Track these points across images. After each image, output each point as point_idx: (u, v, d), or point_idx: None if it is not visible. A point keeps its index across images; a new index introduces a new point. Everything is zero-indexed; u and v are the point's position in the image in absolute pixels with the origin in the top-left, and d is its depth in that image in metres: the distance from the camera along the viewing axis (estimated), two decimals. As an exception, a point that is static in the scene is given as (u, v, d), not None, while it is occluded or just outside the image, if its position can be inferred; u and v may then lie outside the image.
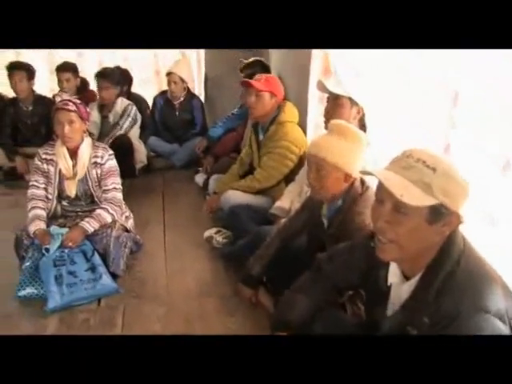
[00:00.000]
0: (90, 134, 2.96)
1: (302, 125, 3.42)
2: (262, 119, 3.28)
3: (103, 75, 4.31)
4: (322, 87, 2.64)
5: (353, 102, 2.55)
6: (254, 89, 3.20)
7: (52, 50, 5.49)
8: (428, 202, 1.29)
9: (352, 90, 2.56)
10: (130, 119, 4.34)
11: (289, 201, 2.93)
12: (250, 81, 3.26)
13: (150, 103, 5.02)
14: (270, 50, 4.80)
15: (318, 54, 3.30)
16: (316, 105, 3.42)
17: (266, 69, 4.18)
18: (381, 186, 1.35)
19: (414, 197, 1.28)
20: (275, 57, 4.60)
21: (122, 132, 4.30)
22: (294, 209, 2.77)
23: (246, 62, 4.37)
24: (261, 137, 3.33)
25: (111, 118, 4.36)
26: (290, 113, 3.24)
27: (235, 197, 3.20)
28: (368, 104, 2.61)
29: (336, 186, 2.06)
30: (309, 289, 1.88)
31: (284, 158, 3.11)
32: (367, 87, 2.73)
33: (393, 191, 1.28)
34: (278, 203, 2.96)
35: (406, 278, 1.47)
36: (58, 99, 2.88)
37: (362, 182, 2.10)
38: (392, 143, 2.70)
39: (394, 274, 1.51)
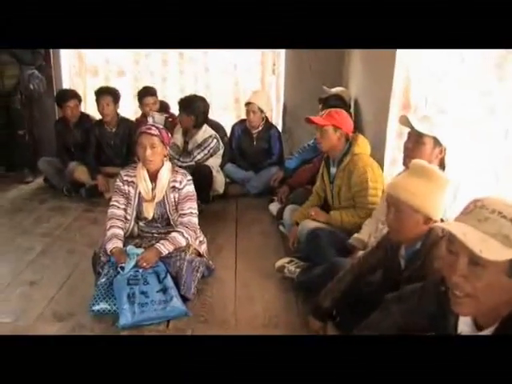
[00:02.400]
0: (171, 159, 3.05)
1: (379, 159, 3.37)
2: (332, 153, 3.27)
3: (181, 105, 4.46)
4: (405, 122, 2.59)
5: (436, 142, 2.48)
6: (316, 124, 3.21)
7: (137, 76, 5.74)
8: (508, 256, 1.22)
9: (434, 127, 2.50)
10: (205, 151, 4.41)
11: (367, 234, 2.88)
12: (309, 117, 3.25)
13: (229, 129, 5.11)
14: (351, 83, 4.81)
15: (398, 88, 3.27)
16: (394, 139, 3.38)
17: (343, 102, 4.17)
18: (454, 239, 1.28)
19: (493, 251, 1.21)
20: (355, 89, 4.60)
21: (192, 163, 4.38)
22: (371, 244, 2.73)
23: (325, 95, 4.39)
24: (332, 170, 3.29)
25: (190, 145, 4.46)
26: (364, 145, 3.22)
27: (311, 226, 3.18)
28: (450, 142, 2.54)
29: (415, 229, 2.00)
30: (376, 328, 1.84)
31: (375, 190, 3.07)
32: (450, 124, 2.67)
33: (471, 247, 1.21)
34: (356, 234, 2.93)
35: (479, 327, 1.39)
36: (149, 120, 3.02)
37: None
38: (473, 183, 2.61)
39: (464, 323, 1.43)
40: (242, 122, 5.00)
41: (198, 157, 4.39)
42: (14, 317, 2.76)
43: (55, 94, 5.25)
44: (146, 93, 5.01)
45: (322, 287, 2.46)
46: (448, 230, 1.29)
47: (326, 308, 2.41)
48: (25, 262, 3.48)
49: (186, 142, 4.48)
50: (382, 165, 3.42)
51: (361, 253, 2.66)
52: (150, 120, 4.82)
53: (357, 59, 4.67)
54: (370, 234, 2.89)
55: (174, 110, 5.11)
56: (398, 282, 2.05)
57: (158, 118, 4.89)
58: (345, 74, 5.11)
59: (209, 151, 4.42)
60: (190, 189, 3.01)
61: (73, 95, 4.94)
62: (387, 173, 3.35)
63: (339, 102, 4.10)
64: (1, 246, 3.75)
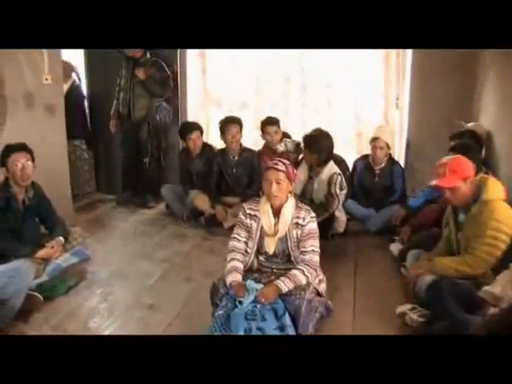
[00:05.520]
0: (295, 195, 3.01)
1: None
2: (464, 204, 3.00)
3: (304, 142, 4.39)
4: None
5: None
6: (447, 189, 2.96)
7: (259, 108, 5.82)
8: None
9: None
10: (334, 188, 4.19)
11: (501, 287, 2.63)
12: (437, 184, 3.02)
13: (350, 164, 5.01)
14: (482, 117, 4.54)
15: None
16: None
17: (476, 139, 3.92)
18: None
19: None
20: (487, 124, 4.32)
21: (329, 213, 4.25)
22: (506, 296, 2.49)
23: (457, 130, 4.18)
24: (461, 216, 3.03)
25: (316, 183, 4.31)
26: (494, 190, 2.90)
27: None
28: None
29: None
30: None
31: (495, 240, 2.79)
32: None
33: None
34: (488, 287, 2.68)
35: None
36: (279, 148, 3.03)
37: None
38: None
39: None
40: (365, 157, 4.90)
41: (334, 206, 4.21)
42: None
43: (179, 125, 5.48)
44: (268, 122, 5.06)
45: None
46: None
47: None
48: (145, 286, 3.62)
49: (310, 177, 4.40)
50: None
51: (493, 309, 2.45)
52: (281, 147, 4.87)
53: (489, 90, 4.41)
54: (504, 287, 2.64)
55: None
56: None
57: (290, 145, 4.93)
58: (475, 107, 4.83)
59: (339, 187, 4.21)
60: (314, 226, 2.95)
61: (195, 127, 5.14)
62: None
63: (472, 139, 3.86)
64: (124, 268, 3.92)
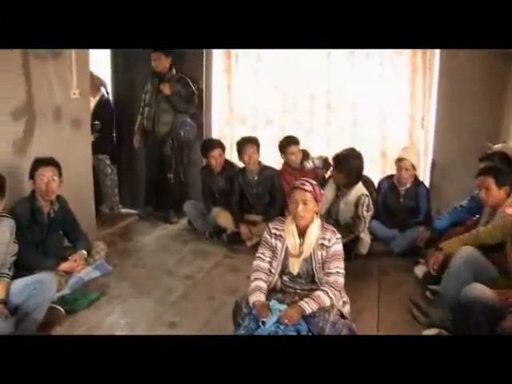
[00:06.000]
0: (321, 216, 2.97)
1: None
2: None
3: (334, 160, 4.35)
4: None
5: None
6: None
7: (284, 126, 5.80)
8: None
9: None
10: (361, 212, 4.17)
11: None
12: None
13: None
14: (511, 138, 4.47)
15: None
16: None
17: (508, 162, 3.84)
18: None
19: None
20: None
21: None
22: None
23: (485, 152, 4.11)
24: None
25: (342, 203, 4.27)
26: None
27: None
28: None
29: None
30: None
31: None
32: None
33: None
34: None
35: None
36: (307, 165, 3.01)
37: None
38: None
39: None
40: (390, 177, 4.84)
41: (360, 229, 4.20)
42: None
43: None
44: (290, 142, 5.03)
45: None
46: None
47: None
48: (166, 302, 3.59)
49: (337, 197, 4.34)
50: None
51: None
52: (308, 164, 4.86)
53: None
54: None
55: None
56: None
57: (318, 161, 4.90)
58: (504, 128, 4.74)
59: (366, 209, 4.18)
60: (339, 247, 2.91)
61: (217, 145, 5.13)
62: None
63: (503, 161, 3.78)
64: (145, 283, 3.91)
